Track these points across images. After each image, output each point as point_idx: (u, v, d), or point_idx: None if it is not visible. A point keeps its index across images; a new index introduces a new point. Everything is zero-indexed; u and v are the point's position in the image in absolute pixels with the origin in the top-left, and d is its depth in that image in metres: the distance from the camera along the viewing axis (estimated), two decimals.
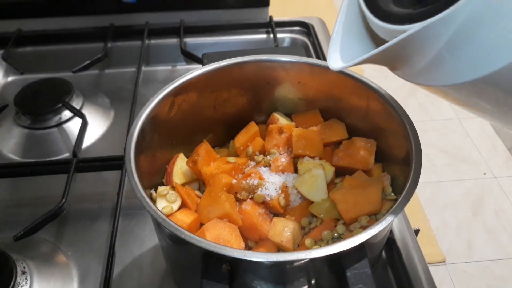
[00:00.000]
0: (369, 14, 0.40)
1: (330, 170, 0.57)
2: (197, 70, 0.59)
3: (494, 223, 1.83)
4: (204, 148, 0.59)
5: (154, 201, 0.54)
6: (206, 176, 0.57)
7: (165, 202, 0.54)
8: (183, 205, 0.55)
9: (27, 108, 0.81)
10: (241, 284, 0.44)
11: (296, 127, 0.63)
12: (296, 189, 0.56)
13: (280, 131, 0.62)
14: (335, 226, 0.52)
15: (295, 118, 0.65)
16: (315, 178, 0.55)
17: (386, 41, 0.37)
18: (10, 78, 0.98)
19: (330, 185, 0.57)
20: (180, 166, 0.59)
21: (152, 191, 0.56)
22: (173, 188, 0.57)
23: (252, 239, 0.54)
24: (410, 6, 0.36)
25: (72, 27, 1.01)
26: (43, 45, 1.00)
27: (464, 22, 0.31)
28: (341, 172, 0.58)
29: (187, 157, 0.61)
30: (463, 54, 0.33)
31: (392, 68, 0.42)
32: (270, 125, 0.63)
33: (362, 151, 0.58)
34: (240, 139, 0.63)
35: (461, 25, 0.31)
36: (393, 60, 0.40)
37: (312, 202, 0.55)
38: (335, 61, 0.44)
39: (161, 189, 0.55)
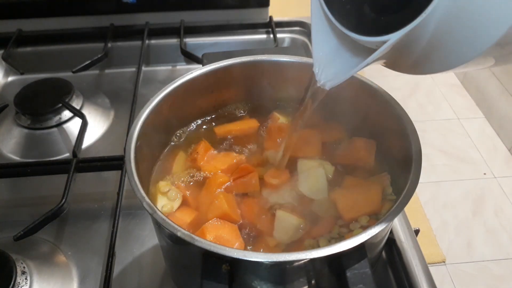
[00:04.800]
0: (344, 29, 0.40)
1: (330, 169, 0.57)
2: (197, 70, 0.59)
3: (494, 223, 1.83)
4: (203, 146, 0.59)
5: (153, 197, 0.54)
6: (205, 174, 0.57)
7: (166, 200, 0.54)
8: (184, 202, 0.55)
9: (27, 108, 0.81)
10: (241, 284, 0.44)
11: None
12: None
13: (280, 130, 0.62)
14: (335, 226, 0.52)
15: (296, 118, 0.65)
16: (316, 178, 0.55)
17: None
18: (10, 78, 0.98)
19: (330, 185, 0.57)
20: (180, 165, 0.59)
21: (152, 187, 0.56)
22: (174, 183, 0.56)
23: (251, 235, 0.54)
24: (377, 13, 0.37)
25: (72, 27, 1.01)
26: (43, 45, 1.00)
27: (441, 19, 0.31)
28: (341, 171, 0.58)
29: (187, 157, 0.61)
30: (449, 45, 0.33)
31: (385, 64, 0.42)
32: (270, 124, 0.63)
33: (362, 151, 0.58)
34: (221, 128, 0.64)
35: (438, 23, 0.31)
36: (383, 61, 0.40)
37: (312, 201, 0.55)
38: (327, 78, 0.45)
39: (162, 184, 0.55)
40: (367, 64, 0.39)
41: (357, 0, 0.39)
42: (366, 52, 0.40)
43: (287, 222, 0.52)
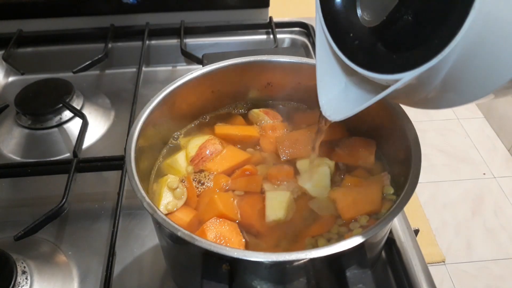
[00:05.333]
0: (355, 66, 0.38)
1: (331, 166, 0.57)
2: (197, 70, 0.60)
3: (494, 223, 1.83)
4: (204, 146, 0.59)
5: (157, 194, 0.54)
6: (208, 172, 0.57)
7: (171, 197, 0.54)
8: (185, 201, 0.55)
9: (27, 109, 0.81)
10: (241, 284, 0.44)
11: (294, 128, 0.63)
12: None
13: (273, 129, 0.62)
14: (335, 225, 0.52)
15: (295, 118, 0.66)
16: (321, 175, 0.55)
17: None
18: (10, 79, 0.98)
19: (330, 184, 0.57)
20: (181, 165, 0.60)
21: (154, 184, 0.56)
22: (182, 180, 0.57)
23: (251, 233, 0.54)
24: (389, 50, 0.35)
25: (72, 27, 1.02)
26: (43, 46, 1.00)
27: (457, 59, 0.30)
28: (341, 171, 0.58)
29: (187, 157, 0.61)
30: (460, 84, 0.32)
31: (390, 99, 0.42)
32: (264, 125, 0.63)
33: (362, 150, 0.59)
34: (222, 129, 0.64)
35: (453, 63, 0.30)
36: (392, 98, 0.40)
37: (311, 199, 0.55)
38: (333, 112, 0.44)
39: (172, 180, 0.55)
40: (376, 101, 0.38)
41: (367, 36, 0.37)
42: (373, 85, 0.40)
43: (277, 198, 0.53)
